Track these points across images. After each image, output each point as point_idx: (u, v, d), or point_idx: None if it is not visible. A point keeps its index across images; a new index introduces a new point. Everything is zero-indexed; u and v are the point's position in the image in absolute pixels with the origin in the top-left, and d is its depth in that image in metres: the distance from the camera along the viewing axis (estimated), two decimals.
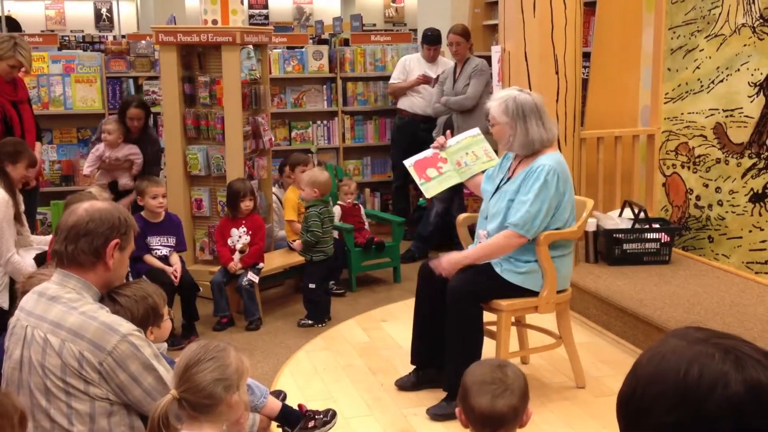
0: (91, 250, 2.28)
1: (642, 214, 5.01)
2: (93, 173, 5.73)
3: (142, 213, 4.97)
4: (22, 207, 4.57)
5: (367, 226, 6.12)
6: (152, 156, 5.83)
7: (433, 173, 4.13)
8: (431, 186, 4.13)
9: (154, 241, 4.93)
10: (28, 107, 5.36)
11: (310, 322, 5.06)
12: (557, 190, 3.62)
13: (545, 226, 3.64)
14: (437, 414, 3.64)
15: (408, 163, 4.20)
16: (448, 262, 3.72)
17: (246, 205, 5.17)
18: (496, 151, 4.19)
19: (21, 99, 5.26)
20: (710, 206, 5.24)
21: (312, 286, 5.09)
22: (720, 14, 5.07)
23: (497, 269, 3.68)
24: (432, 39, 6.90)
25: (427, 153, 4.19)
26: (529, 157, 3.73)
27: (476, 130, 4.25)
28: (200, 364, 2.03)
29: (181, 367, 2.05)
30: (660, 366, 1.20)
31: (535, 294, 3.72)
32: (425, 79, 6.87)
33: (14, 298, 3.46)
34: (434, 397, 3.78)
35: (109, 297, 2.37)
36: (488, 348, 3.71)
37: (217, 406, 2.04)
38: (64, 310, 2.21)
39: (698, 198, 5.33)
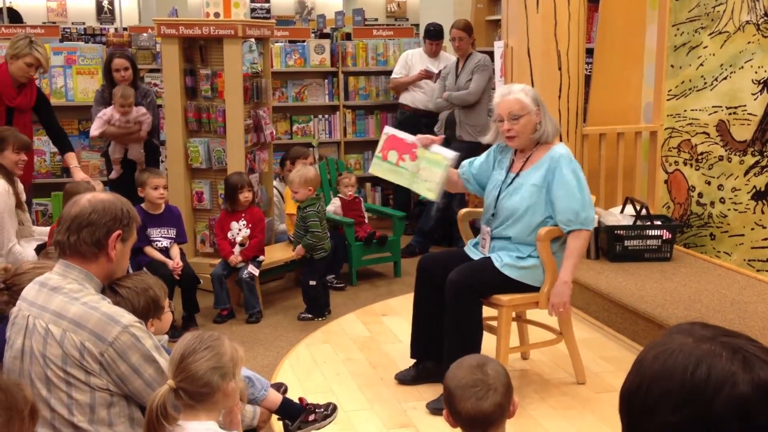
0: (93, 241, 2.27)
1: (644, 211, 5.01)
2: (98, 136, 5.64)
3: (143, 205, 4.96)
4: (24, 196, 4.54)
5: (366, 220, 6.11)
6: (150, 108, 5.69)
7: (392, 157, 3.93)
8: (380, 166, 3.96)
9: (154, 232, 4.93)
10: (27, 117, 5.21)
11: (309, 315, 5.06)
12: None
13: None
14: (437, 408, 3.63)
15: (388, 130, 4.01)
16: (560, 299, 3.65)
17: (245, 196, 5.17)
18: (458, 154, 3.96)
19: (20, 106, 5.12)
20: (712, 203, 5.23)
21: (312, 283, 5.09)
22: (724, 11, 5.05)
23: (497, 264, 3.67)
24: (434, 34, 6.89)
25: (409, 138, 3.94)
26: (538, 150, 3.72)
27: (452, 156, 3.86)
28: (196, 353, 2.04)
29: (177, 357, 2.06)
30: (667, 364, 1.19)
31: (535, 289, 3.72)
32: (427, 74, 6.85)
33: None
34: (434, 391, 3.78)
35: (110, 288, 2.37)
36: (488, 343, 3.71)
37: (213, 395, 2.05)
38: (66, 301, 2.21)
39: (700, 195, 5.32)
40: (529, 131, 3.68)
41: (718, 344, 1.18)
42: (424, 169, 3.85)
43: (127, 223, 2.34)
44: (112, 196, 2.39)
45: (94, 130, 5.57)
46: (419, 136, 3.93)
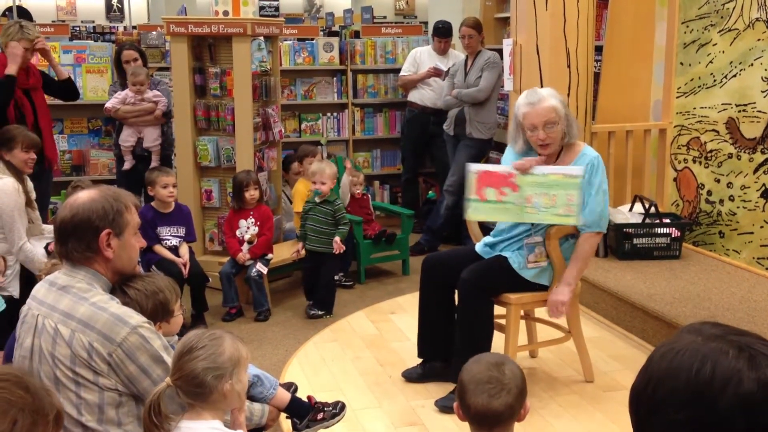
0: (84, 247, 2.23)
1: (653, 209, 5.00)
2: (114, 110, 5.65)
3: (153, 203, 4.98)
4: (33, 194, 4.56)
5: (374, 218, 6.12)
6: (165, 94, 5.76)
7: (491, 195, 3.56)
8: (480, 209, 3.60)
9: (164, 231, 4.95)
10: (41, 94, 5.32)
11: (320, 312, 5.07)
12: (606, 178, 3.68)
13: None
14: (445, 406, 3.63)
15: (474, 168, 3.64)
16: (558, 297, 3.62)
17: (251, 194, 5.18)
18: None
19: (33, 86, 5.22)
20: (721, 201, 5.21)
21: (338, 276, 5.18)
22: (734, 9, 5.03)
23: (515, 266, 3.65)
24: (443, 31, 6.88)
25: (501, 168, 3.60)
26: (566, 152, 3.67)
27: (579, 170, 3.54)
28: (192, 352, 2.03)
29: (176, 354, 2.06)
30: (673, 362, 1.19)
31: (544, 288, 3.71)
32: (436, 72, 6.85)
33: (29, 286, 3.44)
34: (442, 388, 3.78)
35: (119, 289, 2.35)
36: (497, 341, 3.70)
37: (209, 395, 2.04)
38: (75, 300, 2.21)
39: (709, 193, 5.31)
40: (561, 137, 3.61)
41: (725, 342, 1.18)
42: (539, 195, 3.52)
43: (113, 218, 2.25)
44: (95, 194, 2.28)
45: (109, 103, 5.65)
46: (514, 162, 3.60)
